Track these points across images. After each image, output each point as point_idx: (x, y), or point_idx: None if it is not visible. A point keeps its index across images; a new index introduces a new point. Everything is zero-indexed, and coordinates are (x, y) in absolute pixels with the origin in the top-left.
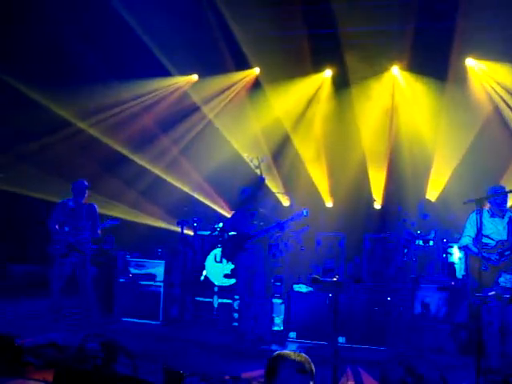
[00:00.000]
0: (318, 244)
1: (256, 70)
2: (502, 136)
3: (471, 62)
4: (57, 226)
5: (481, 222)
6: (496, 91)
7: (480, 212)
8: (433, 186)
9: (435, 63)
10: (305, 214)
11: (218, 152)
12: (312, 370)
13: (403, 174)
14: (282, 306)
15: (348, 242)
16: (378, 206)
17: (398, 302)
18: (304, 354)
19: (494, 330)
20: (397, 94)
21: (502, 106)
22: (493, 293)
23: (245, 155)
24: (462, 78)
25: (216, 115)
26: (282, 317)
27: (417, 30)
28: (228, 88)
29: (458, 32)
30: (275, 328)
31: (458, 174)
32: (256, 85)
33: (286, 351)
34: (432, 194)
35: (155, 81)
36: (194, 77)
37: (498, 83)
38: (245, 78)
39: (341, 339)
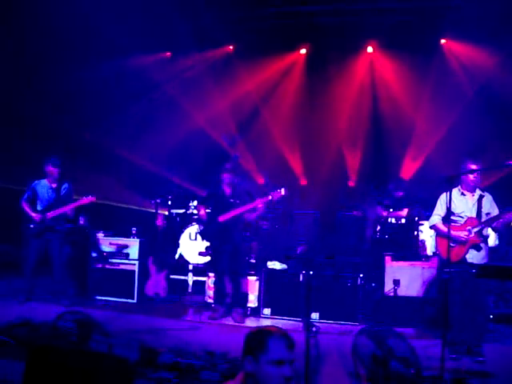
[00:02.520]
0: (292, 222)
1: (229, 48)
2: (481, 116)
3: (447, 42)
4: (29, 205)
5: (450, 201)
6: (473, 71)
7: (450, 191)
8: (408, 164)
9: (413, 41)
10: (282, 193)
11: (187, 129)
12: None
13: (378, 152)
14: (257, 283)
15: (322, 220)
16: (352, 183)
17: (371, 278)
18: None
19: (459, 304)
20: (374, 71)
21: (480, 84)
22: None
23: (221, 133)
24: (440, 56)
25: (186, 92)
26: (257, 294)
27: (395, 9)
28: (200, 64)
29: (435, 11)
30: (250, 305)
31: (434, 152)
32: (229, 63)
33: (269, 326)
34: (407, 172)
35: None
36: (167, 54)
37: (474, 63)
38: (218, 55)
39: (314, 315)
